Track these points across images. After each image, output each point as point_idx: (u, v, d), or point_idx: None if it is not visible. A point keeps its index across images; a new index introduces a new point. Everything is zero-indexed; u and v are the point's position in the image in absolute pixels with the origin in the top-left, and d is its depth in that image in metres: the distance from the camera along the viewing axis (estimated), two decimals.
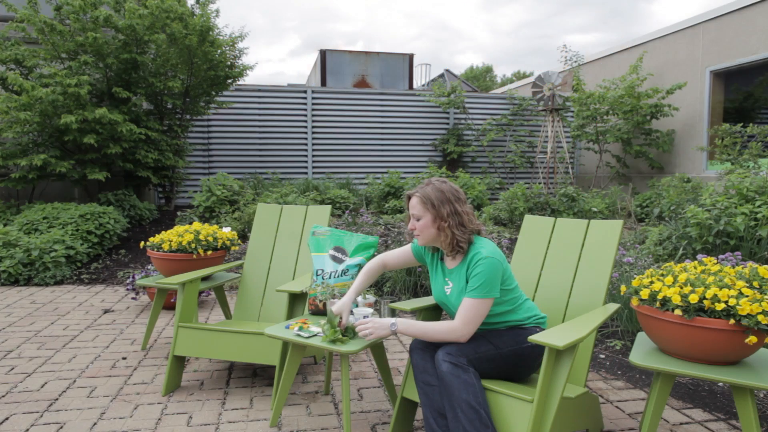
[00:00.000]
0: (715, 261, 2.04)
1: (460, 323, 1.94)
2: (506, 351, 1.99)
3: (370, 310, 2.33)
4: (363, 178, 9.88)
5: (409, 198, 2.11)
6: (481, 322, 1.97)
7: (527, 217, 2.68)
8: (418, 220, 2.07)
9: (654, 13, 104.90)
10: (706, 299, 1.75)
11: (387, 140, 10.23)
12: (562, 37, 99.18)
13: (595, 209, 6.57)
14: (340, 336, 2.20)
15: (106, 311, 4.34)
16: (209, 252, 3.54)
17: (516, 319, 2.08)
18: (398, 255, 2.32)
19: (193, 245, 3.49)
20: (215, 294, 3.78)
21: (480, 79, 42.87)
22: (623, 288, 2.05)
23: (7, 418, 2.42)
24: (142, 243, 3.84)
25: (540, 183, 9.14)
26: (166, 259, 3.48)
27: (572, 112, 10.32)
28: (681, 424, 2.40)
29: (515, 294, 2.09)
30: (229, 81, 7.91)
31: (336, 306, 2.23)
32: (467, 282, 2.00)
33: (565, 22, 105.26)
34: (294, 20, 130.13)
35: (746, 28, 7.65)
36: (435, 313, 2.36)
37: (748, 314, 1.69)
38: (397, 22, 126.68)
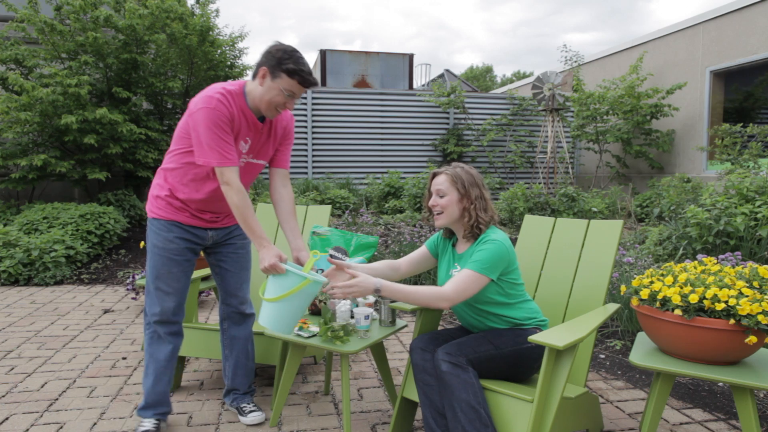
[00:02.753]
0: (715, 261, 2.04)
1: (450, 288, 1.93)
2: (506, 351, 1.99)
3: (371, 310, 2.33)
4: (363, 178, 9.88)
5: (435, 176, 2.11)
6: (468, 297, 1.95)
7: (527, 217, 2.68)
8: (442, 197, 2.06)
9: (652, 12, 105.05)
10: (706, 299, 1.75)
11: (387, 140, 10.23)
12: (561, 36, 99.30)
13: (595, 209, 6.57)
14: (333, 331, 2.21)
15: (106, 311, 4.35)
16: None
17: (516, 317, 2.07)
18: (411, 258, 2.27)
19: None
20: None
21: (480, 79, 42.89)
22: (623, 288, 2.05)
23: (7, 418, 2.42)
24: (142, 243, 3.84)
25: (540, 183, 9.14)
26: None
27: (572, 112, 10.32)
28: (681, 424, 2.40)
29: (520, 291, 2.09)
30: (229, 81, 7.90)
31: (328, 270, 2.09)
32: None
33: (563, 21, 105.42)
34: (291, 19, 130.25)
35: (746, 28, 7.65)
36: (436, 312, 2.36)
37: (748, 314, 1.69)
38: (395, 21, 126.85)
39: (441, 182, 2.08)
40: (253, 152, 2.22)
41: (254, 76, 2.09)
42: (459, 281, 1.94)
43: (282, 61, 2.01)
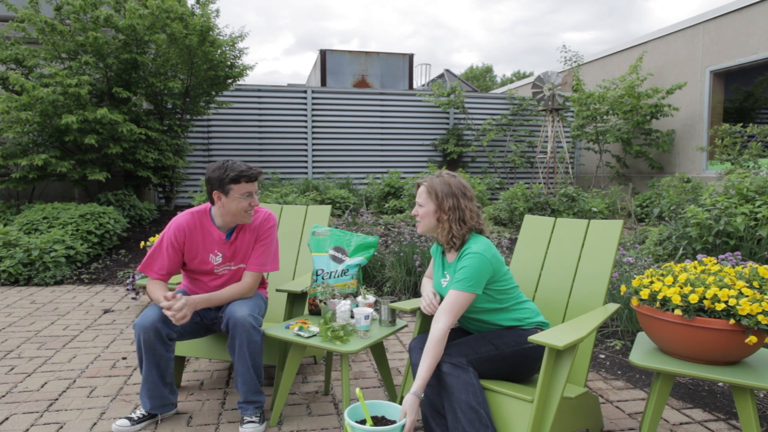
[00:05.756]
0: (715, 261, 2.04)
1: (440, 314, 1.95)
2: (507, 352, 1.99)
3: (370, 310, 2.33)
4: (363, 178, 9.88)
5: (418, 186, 2.18)
6: (460, 315, 1.97)
7: (527, 217, 2.68)
8: (421, 206, 2.12)
9: (651, 10, 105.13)
10: (706, 299, 1.76)
11: (387, 140, 10.23)
12: (559, 35, 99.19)
13: (595, 209, 6.57)
14: (333, 331, 2.21)
15: (106, 311, 4.34)
16: None
17: (512, 319, 2.07)
18: (431, 267, 2.36)
19: None
20: None
21: (480, 79, 42.90)
22: (623, 288, 2.05)
23: (7, 418, 2.42)
24: (142, 243, 3.85)
25: (540, 183, 9.14)
26: None
27: (572, 112, 10.33)
28: (681, 424, 2.40)
29: (511, 294, 2.08)
30: (229, 81, 7.91)
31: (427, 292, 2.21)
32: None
33: (561, 20, 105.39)
34: (287, 18, 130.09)
35: (746, 28, 7.65)
36: None
37: (748, 314, 1.69)
38: (392, 20, 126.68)
39: (420, 193, 2.14)
40: (227, 261, 2.47)
41: (212, 203, 2.39)
42: (449, 304, 1.96)
43: (223, 178, 2.30)
